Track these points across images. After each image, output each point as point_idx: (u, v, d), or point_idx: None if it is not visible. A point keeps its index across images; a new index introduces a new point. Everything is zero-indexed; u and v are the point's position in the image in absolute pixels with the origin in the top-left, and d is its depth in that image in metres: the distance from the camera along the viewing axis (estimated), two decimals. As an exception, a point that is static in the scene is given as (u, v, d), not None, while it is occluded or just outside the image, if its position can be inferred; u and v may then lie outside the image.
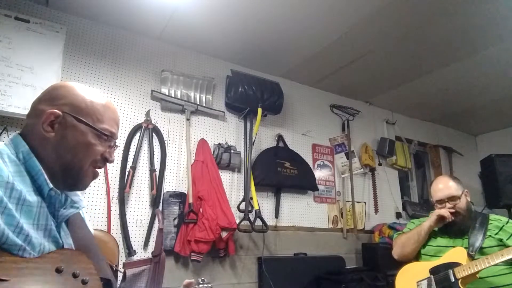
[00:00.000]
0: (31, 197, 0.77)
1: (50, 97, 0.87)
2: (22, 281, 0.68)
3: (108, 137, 0.90)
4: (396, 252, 2.00)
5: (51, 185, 0.81)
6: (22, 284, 0.67)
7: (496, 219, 1.84)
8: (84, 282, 0.78)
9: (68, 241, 0.88)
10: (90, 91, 0.92)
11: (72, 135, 0.85)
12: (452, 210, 1.82)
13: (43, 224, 0.79)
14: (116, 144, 0.96)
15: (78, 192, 0.95)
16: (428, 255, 1.90)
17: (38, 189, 0.80)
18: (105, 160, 0.91)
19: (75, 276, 0.77)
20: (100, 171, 2.24)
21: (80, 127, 0.86)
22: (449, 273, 1.69)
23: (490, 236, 1.75)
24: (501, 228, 1.77)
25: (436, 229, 1.96)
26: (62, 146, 0.84)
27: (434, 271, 1.77)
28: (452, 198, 1.85)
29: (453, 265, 1.71)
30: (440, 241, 1.90)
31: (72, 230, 0.91)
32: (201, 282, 1.16)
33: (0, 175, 0.72)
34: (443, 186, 1.91)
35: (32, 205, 0.77)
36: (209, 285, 1.17)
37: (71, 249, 0.84)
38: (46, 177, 0.81)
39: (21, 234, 0.72)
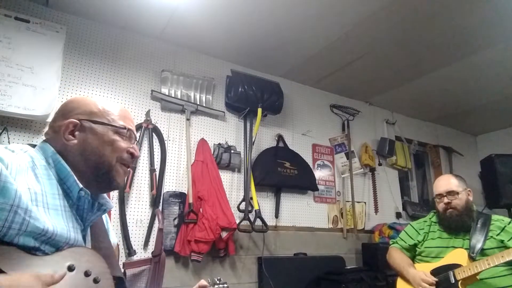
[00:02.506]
0: (54, 200, 0.79)
1: (64, 112, 0.92)
2: (34, 278, 0.68)
3: (128, 132, 0.94)
4: (387, 260, 2.11)
5: (81, 185, 0.84)
6: (34, 281, 0.68)
7: (498, 219, 1.84)
8: (96, 281, 0.79)
9: (89, 246, 0.89)
10: (99, 99, 0.98)
11: (93, 137, 0.89)
12: (447, 201, 1.88)
13: (70, 227, 0.81)
14: (137, 139, 0.99)
15: (105, 195, 0.98)
16: (429, 257, 1.90)
17: (66, 192, 0.84)
18: (131, 155, 0.95)
19: (87, 274, 0.78)
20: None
21: (99, 128, 0.90)
22: (449, 275, 1.70)
23: (491, 237, 1.75)
24: (503, 229, 1.76)
25: (436, 229, 1.97)
26: (87, 150, 0.88)
27: (435, 272, 1.77)
28: (450, 193, 1.90)
29: (453, 266, 1.71)
30: (440, 241, 1.90)
31: (94, 239, 0.93)
32: (217, 282, 1.15)
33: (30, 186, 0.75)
34: (444, 181, 1.96)
35: (56, 208, 0.79)
36: (226, 285, 1.16)
37: (85, 247, 0.85)
38: (75, 178, 0.84)
39: (38, 239, 0.73)
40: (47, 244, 0.75)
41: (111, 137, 0.91)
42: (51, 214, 0.77)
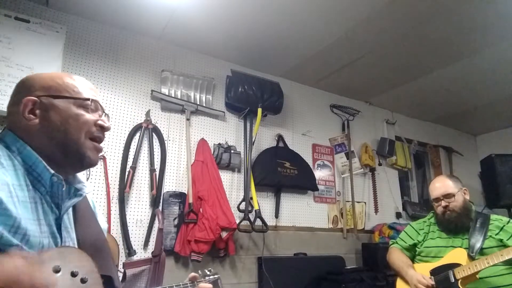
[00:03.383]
0: (23, 192, 0.74)
1: (20, 91, 0.85)
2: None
3: (92, 103, 0.87)
4: (387, 260, 2.12)
5: (52, 171, 0.79)
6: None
7: (497, 219, 1.84)
8: (83, 281, 0.75)
9: (71, 236, 0.85)
10: (56, 73, 0.90)
11: (55, 113, 0.82)
12: (445, 204, 1.88)
13: (41, 219, 0.77)
14: (106, 112, 0.92)
15: (83, 179, 0.92)
16: (429, 257, 1.91)
17: (37, 180, 0.78)
18: (101, 128, 0.88)
19: (73, 275, 0.74)
20: (100, 171, 2.26)
21: (60, 103, 0.83)
22: (449, 274, 1.70)
23: (490, 236, 1.76)
24: (501, 228, 1.77)
25: (435, 229, 1.97)
26: (50, 128, 0.81)
27: (434, 272, 1.78)
28: (447, 196, 1.90)
29: (453, 266, 1.72)
30: (440, 241, 1.91)
31: (80, 225, 0.89)
32: (208, 273, 1.12)
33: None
34: (440, 184, 1.96)
35: (25, 201, 0.74)
36: (216, 275, 1.12)
37: (69, 247, 0.82)
38: (45, 163, 0.78)
39: (17, 233, 0.69)
40: (27, 242, 0.71)
41: (74, 111, 0.83)
42: (20, 208, 0.72)
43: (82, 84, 0.89)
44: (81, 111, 0.85)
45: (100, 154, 0.94)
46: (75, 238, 0.87)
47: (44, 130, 0.81)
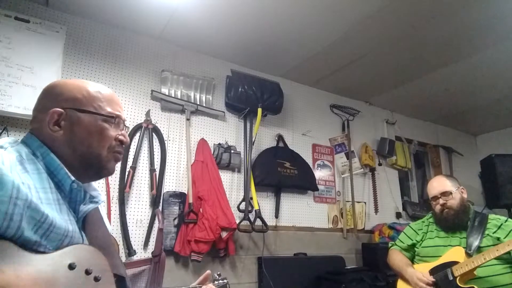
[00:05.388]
0: (46, 194, 0.77)
1: (46, 100, 0.87)
2: (33, 278, 0.67)
3: (116, 119, 0.90)
4: (387, 262, 2.13)
5: (73, 178, 0.82)
6: (33, 280, 0.66)
7: (495, 218, 1.86)
8: (96, 279, 0.77)
9: (84, 238, 0.87)
10: (83, 82, 0.92)
11: (80, 127, 0.85)
12: (443, 202, 1.90)
13: (67, 219, 0.79)
14: (126, 125, 0.95)
15: (96, 187, 0.95)
16: (428, 257, 1.92)
17: (57, 185, 0.81)
18: (121, 142, 0.91)
19: (87, 273, 0.76)
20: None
21: (86, 117, 0.86)
22: (447, 272, 1.72)
23: (488, 235, 1.77)
24: (499, 227, 1.78)
25: (433, 229, 1.98)
26: (74, 140, 0.84)
27: (433, 271, 1.80)
28: (444, 194, 1.92)
29: (451, 264, 1.73)
30: (438, 241, 1.92)
31: (89, 228, 0.90)
32: (217, 278, 1.14)
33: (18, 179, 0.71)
34: (437, 183, 1.98)
35: (49, 202, 0.77)
36: (225, 280, 1.14)
37: (86, 245, 0.83)
38: (66, 170, 0.81)
39: (40, 228, 0.71)
40: (47, 238, 0.73)
41: (99, 127, 0.86)
42: (46, 208, 0.74)
43: (107, 98, 0.91)
44: (105, 125, 0.88)
45: None
46: (86, 240, 0.89)
47: (67, 141, 0.84)
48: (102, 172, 0.89)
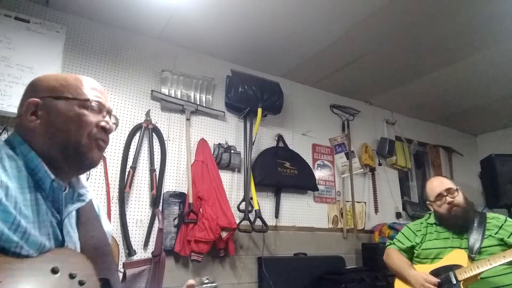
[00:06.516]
0: (24, 195, 0.74)
1: (26, 94, 0.85)
2: (16, 282, 0.65)
3: (94, 103, 0.85)
4: (385, 261, 2.09)
5: (52, 176, 0.79)
6: (15, 285, 0.64)
7: (494, 217, 1.84)
8: (81, 283, 0.75)
9: (73, 239, 0.85)
10: (63, 74, 0.90)
11: (57, 114, 0.82)
12: (450, 200, 1.84)
13: (43, 221, 0.77)
14: (111, 112, 0.91)
15: (86, 184, 0.92)
16: (428, 258, 1.89)
17: (38, 184, 0.78)
18: (102, 129, 0.86)
19: (72, 277, 0.74)
20: (100, 171, 2.26)
21: (62, 104, 0.82)
22: (450, 275, 1.69)
23: (490, 235, 1.75)
24: (500, 227, 1.77)
25: (433, 230, 1.96)
26: (52, 128, 0.81)
27: (434, 273, 1.77)
28: (449, 190, 1.88)
29: (454, 267, 1.71)
30: (438, 242, 1.89)
31: (83, 227, 0.88)
32: (205, 281, 1.12)
33: None
34: (438, 182, 1.94)
35: (26, 204, 0.74)
36: (214, 284, 1.11)
37: (69, 249, 0.81)
38: (46, 168, 0.78)
39: (17, 231, 0.69)
40: (27, 241, 0.71)
41: (76, 112, 0.82)
42: (19, 210, 0.71)
43: (87, 85, 0.87)
44: (84, 111, 0.83)
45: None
46: (77, 241, 0.87)
47: (45, 131, 0.81)
48: (84, 162, 0.84)
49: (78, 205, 0.86)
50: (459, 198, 1.86)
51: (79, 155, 0.83)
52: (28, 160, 0.78)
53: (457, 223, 1.84)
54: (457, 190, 1.88)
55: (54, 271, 0.72)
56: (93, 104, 0.85)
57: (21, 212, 0.71)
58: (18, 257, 0.68)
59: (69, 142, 0.81)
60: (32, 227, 0.73)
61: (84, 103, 0.84)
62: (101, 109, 0.87)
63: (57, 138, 0.81)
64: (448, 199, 1.85)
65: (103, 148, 0.88)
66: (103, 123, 0.86)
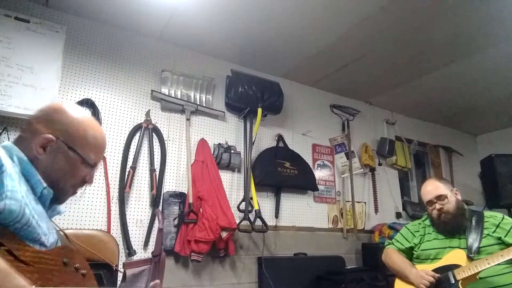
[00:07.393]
0: (29, 194, 0.84)
1: (47, 119, 0.93)
2: (43, 268, 0.78)
3: (93, 167, 0.98)
4: (383, 261, 2.09)
5: (45, 184, 0.87)
6: (43, 270, 0.78)
7: (492, 215, 1.84)
8: (83, 275, 0.88)
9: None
10: (85, 118, 0.98)
11: (61, 159, 0.91)
12: (440, 207, 1.86)
13: (44, 217, 0.88)
14: (97, 167, 1.03)
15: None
16: (427, 259, 1.90)
17: (32, 188, 0.86)
18: (83, 182, 0.97)
19: (76, 269, 0.87)
20: (100, 171, 2.26)
21: (70, 154, 0.92)
22: (449, 275, 1.70)
23: (488, 235, 1.75)
24: (498, 226, 1.77)
25: (431, 231, 1.96)
26: (50, 167, 0.90)
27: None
28: (439, 198, 1.88)
29: (453, 267, 1.71)
30: (437, 243, 1.89)
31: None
32: None
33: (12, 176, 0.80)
34: (431, 187, 1.95)
35: (31, 201, 0.83)
36: None
37: (70, 247, 0.93)
38: (39, 177, 0.87)
39: (33, 221, 0.80)
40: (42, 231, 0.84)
41: (76, 166, 0.93)
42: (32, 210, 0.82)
43: (97, 146, 0.98)
44: (82, 167, 0.95)
45: None
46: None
47: (46, 165, 0.89)
48: (56, 197, 0.93)
49: (54, 214, 0.98)
50: (448, 205, 1.86)
51: (56, 192, 0.92)
52: (23, 168, 0.86)
53: (446, 228, 1.87)
54: (447, 197, 1.87)
55: (65, 263, 0.85)
56: (92, 166, 0.97)
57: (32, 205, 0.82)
58: (40, 245, 0.82)
59: (58, 184, 0.91)
60: (42, 224, 0.84)
61: (87, 165, 0.96)
62: (94, 168, 0.99)
63: (51, 176, 0.90)
64: (437, 206, 1.88)
65: (75, 194, 1.00)
66: (87, 179, 0.98)
